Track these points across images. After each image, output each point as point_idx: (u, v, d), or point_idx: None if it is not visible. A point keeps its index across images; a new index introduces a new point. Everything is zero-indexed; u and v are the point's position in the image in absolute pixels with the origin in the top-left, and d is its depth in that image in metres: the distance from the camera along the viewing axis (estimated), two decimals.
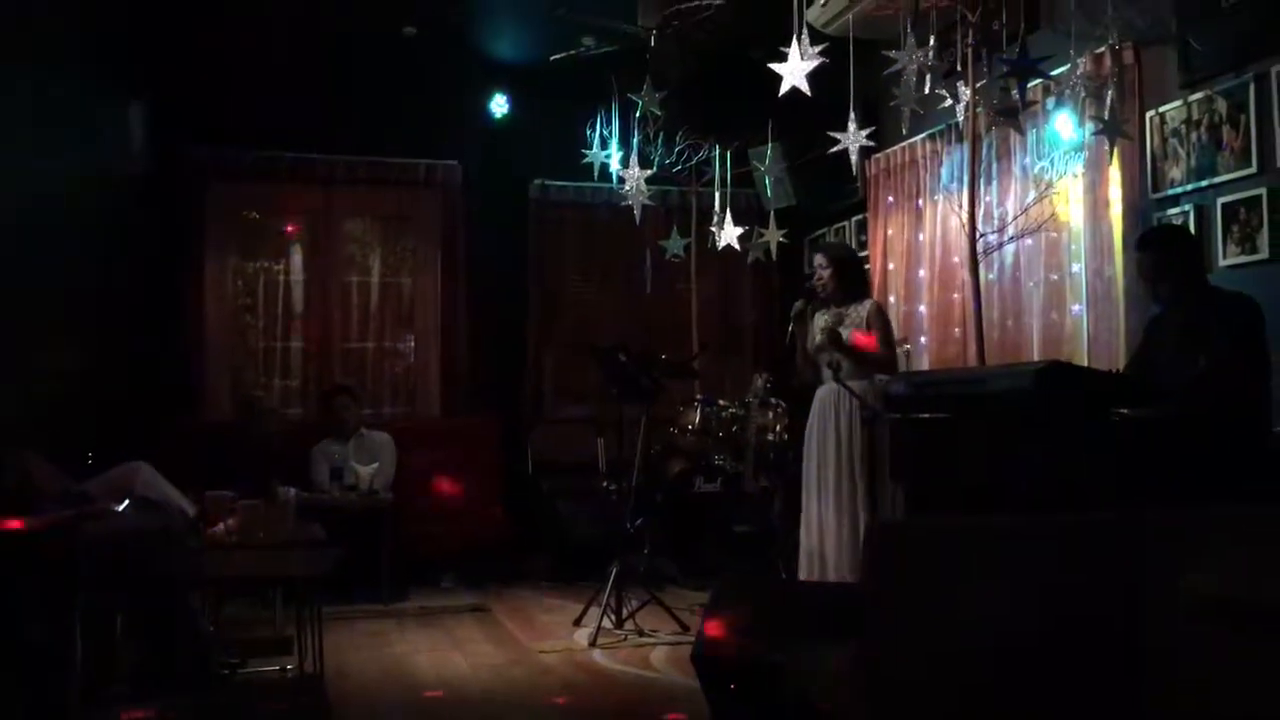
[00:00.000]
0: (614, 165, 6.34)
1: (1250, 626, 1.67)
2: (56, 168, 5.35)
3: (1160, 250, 3.87)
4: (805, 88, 4.27)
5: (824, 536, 4.79)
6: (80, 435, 4.99)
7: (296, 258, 7.68)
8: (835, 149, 4.79)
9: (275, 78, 7.02)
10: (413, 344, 7.84)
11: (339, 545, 4.56)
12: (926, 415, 3.67)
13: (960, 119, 5.15)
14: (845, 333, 4.85)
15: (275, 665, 4.58)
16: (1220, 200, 4.55)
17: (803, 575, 4.87)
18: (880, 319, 4.93)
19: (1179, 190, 4.75)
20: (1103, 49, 4.91)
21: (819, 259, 5.11)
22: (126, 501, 3.97)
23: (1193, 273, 3.83)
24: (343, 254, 7.76)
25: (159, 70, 6.79)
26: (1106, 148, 4.84)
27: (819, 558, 4.80)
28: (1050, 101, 5.24)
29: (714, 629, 2.80)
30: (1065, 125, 5.15)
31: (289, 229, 7.71)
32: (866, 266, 7.15)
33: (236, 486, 4.62)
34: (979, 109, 4.80)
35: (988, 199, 5.63)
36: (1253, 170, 4.41)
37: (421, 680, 4.57)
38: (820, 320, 5.01)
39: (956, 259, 6.01)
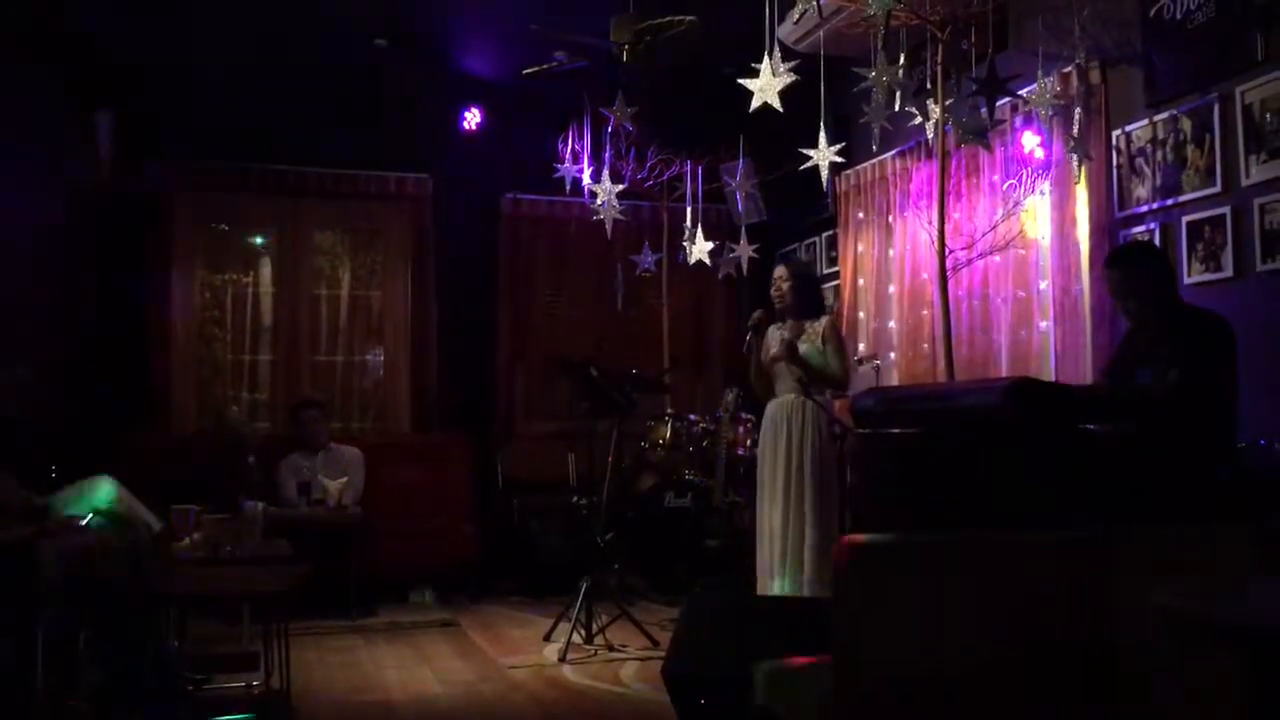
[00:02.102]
0: (585, 180, 6.34)
1: (1218, 642, 1.68)
2: (19, 179, 5.30)
3: (1129, 267, 3.91)
4: (777, 104, 4.30)
5: (773, 548, 4.82)
6: (44, 448, 4.93)
7: (265, 270, 7.61)
8: (806, 165, 4.82)
9: (244, 89, 6.97)
10: (382, 358, 7.79)
11: (307, 560, 4.52)
12: (895, 430, 3.68)
13: (930, 136, 5.19)
14: (803, 347, 4.90)
15: (241, 681, 4.53)
16: (1185, 219, 4.61)
17: (759, 589, 4.88)
18: (835, 335, 5.01)
19: (1145, 209, 4.80)
20: (1070, 69, 4.98)
21: (780, 270, 5.15)
22: (90, 515, 3.92)
23: (1162, 290, 3.86)
24: (312, 266, 7.70)
25: (125, 80, 6.73)
26: (1075, 166, 4.90)
27: (770, 570, 4.83)
28: (1018, 120, 5.30)
29: None
30: (1033, 143, 5.20)
31: (257, 241, 7.65)
32: (835, 283, 7.21)
33: (203, 501, 4.58)
34: (948, 127, 4.84)
35: (957, 216, 5.67)
36: (1217, 189, 4.47)
37: (390, 696, 4.53)
38: (778, 334, 5.04)
39: (926, 275, 6.06)
